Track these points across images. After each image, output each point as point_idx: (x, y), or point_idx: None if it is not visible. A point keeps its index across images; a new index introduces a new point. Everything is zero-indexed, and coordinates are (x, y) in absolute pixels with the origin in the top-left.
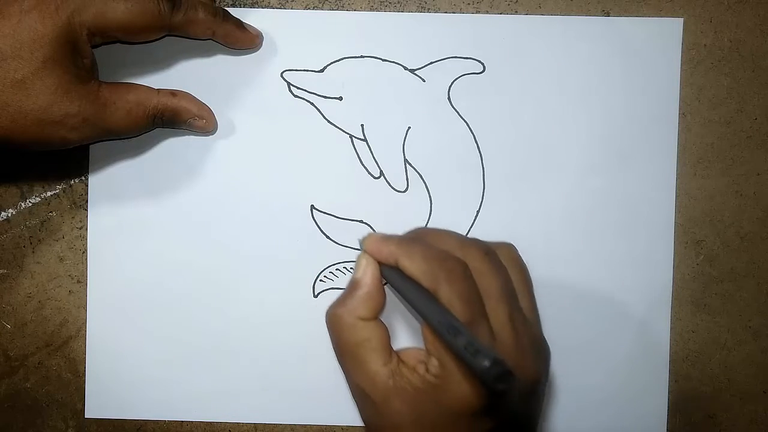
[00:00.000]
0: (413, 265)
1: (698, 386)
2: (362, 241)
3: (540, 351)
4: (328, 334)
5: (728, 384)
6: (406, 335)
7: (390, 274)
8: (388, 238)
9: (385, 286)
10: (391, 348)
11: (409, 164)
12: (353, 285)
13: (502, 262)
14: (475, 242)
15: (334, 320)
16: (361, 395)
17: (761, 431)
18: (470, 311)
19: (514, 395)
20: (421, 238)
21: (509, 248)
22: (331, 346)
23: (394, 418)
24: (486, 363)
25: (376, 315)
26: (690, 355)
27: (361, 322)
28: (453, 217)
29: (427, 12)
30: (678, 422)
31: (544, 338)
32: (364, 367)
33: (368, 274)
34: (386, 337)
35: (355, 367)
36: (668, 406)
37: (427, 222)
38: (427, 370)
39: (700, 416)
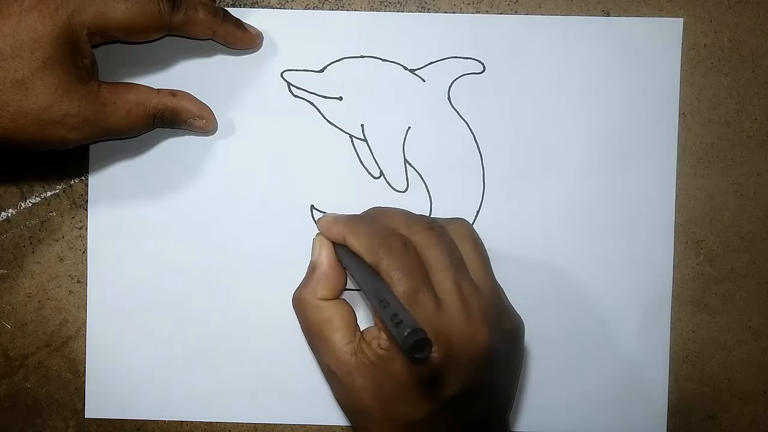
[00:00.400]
0: (357, 242)
1: (698, 386)
2: (317, 221)
3: (497, 320)
4: None
5: (728, 384)
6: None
7: (341, 252)
8: (337, 218)
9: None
10: (356, 326)
11: (409, 164)
12: (312, 267)
13: (450, 236)
14: (421, 218)
15: (298, 303)
16: (329, 374)
17: (761, 431)
18: (410, 282)
19: (463, 362)
20: (370, 217)
21: (460, 222)
22: (301, 329)
23: (359, 394)
24: (405, 332)
25: (336, 294)
26: (690, 355)
27: (323, 303)
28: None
29: (427, 12)
30: (678, 422)
31: (510, 309)
32: (329, 346)
33: (323, 254)
34: (350, 315)
35: (321, 347)
36: (668, 406)
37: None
38: (379, 344)
39: (700, 416)
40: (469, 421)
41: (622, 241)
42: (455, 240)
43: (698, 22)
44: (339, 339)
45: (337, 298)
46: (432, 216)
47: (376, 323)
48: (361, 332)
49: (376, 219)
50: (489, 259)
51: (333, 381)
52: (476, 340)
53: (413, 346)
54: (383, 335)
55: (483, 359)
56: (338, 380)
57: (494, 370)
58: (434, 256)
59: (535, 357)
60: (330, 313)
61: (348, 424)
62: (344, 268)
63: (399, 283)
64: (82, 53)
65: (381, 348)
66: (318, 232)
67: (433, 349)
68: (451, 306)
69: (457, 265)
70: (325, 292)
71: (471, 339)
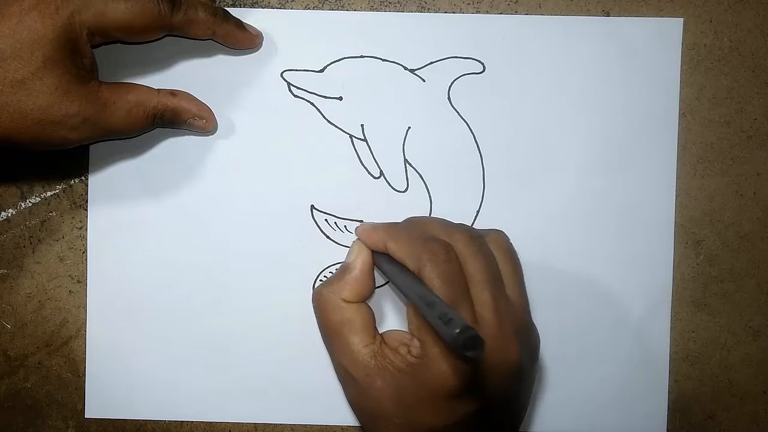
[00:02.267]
0: (398, 247)
1: (698, 386)
2: (356, 230)
3: (526, 337)
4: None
5: (728, 384)
6: (393, 322)
7: (380, 259)
8: (376, 226)
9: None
10: (375, 330)
11: (409, 164)
12: (344, 269)
13: (489, 248)
14: (462, 227)
15: (320, 300)
16: (343, 374)
17: (761, 431)
18: (452, 292)
19: (494, 377)
20: (408, 224)
21: (498, 234)
22: (318, 326)
23: (378, 397)
24: (456, 330)
25: (361, 299)
26: (690, 355)
27: (345, 304)
28: (453, 217)
29: (427, 12)
30: (678, 422)
31: (533, 325)
32: (347, 347)
33: (359, 259)
34: (370, 319)
35: (338, 347)
36: (668, 406)
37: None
38: (409, 351)
39: (700, 416)
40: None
41: (622, 241)
42: (492, 251)
43: (698, 22)
44: (358, 341)
45: (361, 302)
46: (432, 214)
47: (410, 330)
48: (382, 336)
49: (415, 226)
50: (522, 273)
51: (348, 382)
52: (508, 357)
53: (465, 343)
54: (415, 342)
55: (512, 375)
56: (354, 382)
57: (518, 386)
58: (474, 268)
59: None
60: (351, 314)
61: (348, 424)
62: (382, 277)
63: (440, 290)
64: (82, 53)
65: (412, 355)
66: (355, 239)
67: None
68: (488, 321)
69: (495, 280)
70: (350, 295)
71: (503, 355)
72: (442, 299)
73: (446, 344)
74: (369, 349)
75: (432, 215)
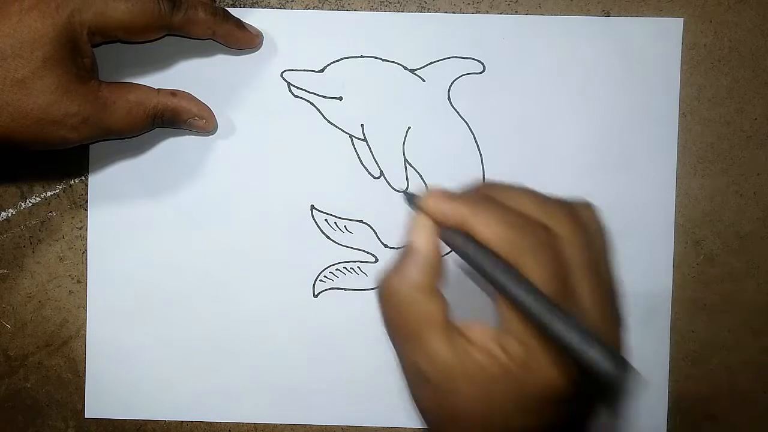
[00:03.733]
0: (489, 230)
1: (698, 386)
2: (418, 200)
3: (623, 324)
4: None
5: (728, 384)
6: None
7: (454, 238)
8: (452, 197)
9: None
10: (452, 323)
11: (409, 164)
12: (408, 251)
13: (587, 229)
14: (558, 203)
15: (388, 293)
16: (417, 377)
17: (761, 431)
18: (557, 286)
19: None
20: (491, 198)
21: (590, 209)
22: (383, 322)
23: (460, 402)
24: (600, 354)
25: (434, 284)
26: (690, 355)
27: (419, 295)
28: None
29: (427, 12)
30: (678, 422)
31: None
32: (424, 346)
33: (424, 238)
34: (447, 308)
35: (412, 346)
36: (668, 406)
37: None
38: (503, 350)
39: (700, 416)
40: None
41: (622, 241)
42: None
43: (698, 22)
44: (436, 338)
45: (435, 289)
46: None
47: (507, 329)
48: (462, 329)
49: (500, 195)
50: (611, 247)
51: (422, 384)
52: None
53: (616, 368)
54: (513, 342)
55: None
56: (430, 385)
57: None
58: (576, 254)
59: None
60: (427, 307)
61: (349, 424)
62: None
63: (544, 284)
64: (82, 53)
65: (509, 356)
66: (415, 210)
67: None
68: (593, 315)
69: (597, 266)
70: (424, 283)
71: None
72: (547, 293)
73: (584, 366)
74: (450, 348)
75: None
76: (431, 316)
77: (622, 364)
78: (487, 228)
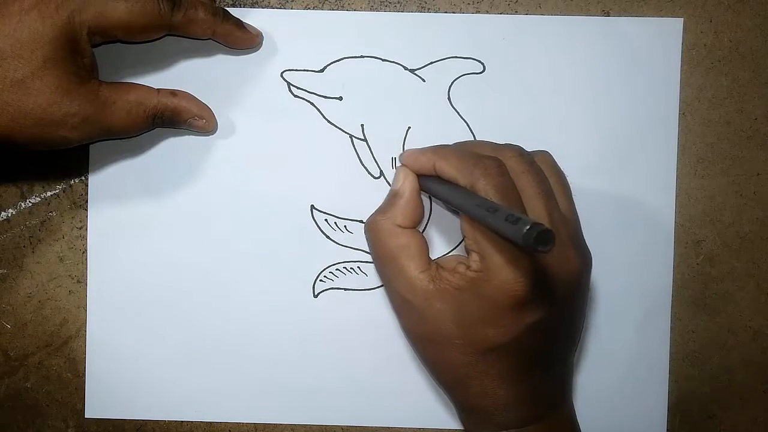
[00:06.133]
0: (449, 165)
1: (698, 386)
2: (400, 156)
3: (581, 249)
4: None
5: (728, 384)
6: (444, 250)
7: (428, 182)
8: (424, 149)
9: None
10: (428, 256)
11: None
12: (392, 195)
13: (539, 165)
14: (511, 145)
15: (373, 227)
16: (401, 302)
17: (761, 431)
18: (507, 202)
19: (556, 285)
20: (457, 145)
21: (545, 154)
22: (372, 258)
23: (437, 319)
24: (527, 227)
25: (414, 224)
26: (690, 355)
27: (399, 229)
28: (453, 216)
29: (427, 12)
30: (678, 422)
31: (585, 242)
32: (403, 273)
33: (407, 184)
34: (424, 245)
35: (394, 273)
36: (668, 406)
37: (427, 223)
38: (468, 267)
39: (700, 416)
40: (544, 351)
41: (622, 241)
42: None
43: (698, 22)
44: (415, 266)
45: (414, 227)
46: (432, 216)
47: (468, 246)
48: (436, 261)
49: (463, 146)
50: (571, 191)
51: (405, 308)
52: (568, 266)
53: (537, 238)
54: (474, 257)
55: (572, 285)
56: (412, 307)
57: (577, 300)
58: (527, 182)
59: None
60: (406, 240)
61: (349, 424)
62: (430, 200)
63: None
64: (82, 53)
65: (471, 270)
66: (400, 164)
67: (530, 265)
68: None
69: (548, 193)
70: (404, 220)
71: (563, 265)
72: None
73: (516, 244)
74: (426, 274)
75: (432, 215)
76: (410, 249)
77: (546, 234)
78: (448, 164)
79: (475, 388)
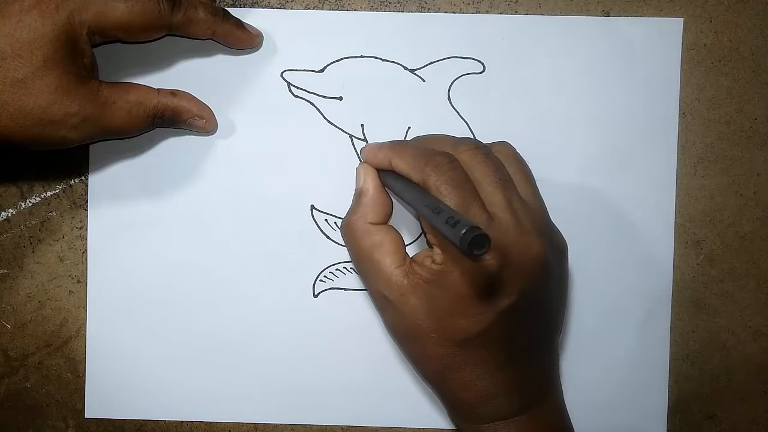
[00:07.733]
0: (403, 162)
1: (698, 386)
2: (361, 150)
3: (548, 233)
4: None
5: (728, 384)
6: (421, 244)
7: (386, 177)
8: (381, 144)
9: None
10: (404, 252)
11: None
12: (358, 195)
13: (497, 156)
14: (467, 139)
15: (347, 228)
16: (380, 299)
17: (761, 431)
18: (460, 195)
19: (520, 272)
20: (414, 140)
21: (504, 145)
22: (351, 258)
23: (413, 314)
24: (462, 231)
25: (384, 219)
26: (690, 355)
27: (372, 227)
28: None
29: (427, 12)
30: (678, 422)
31: (556, 228)
32: (380, 270)
33: (368, 180)
34: (399, 240)
35: (371, 271)
36: (668, 406)
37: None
38: (433, 260)
39: (700, 416)
40: (520, 340)
41: (622, 241)
42: (502, 160)
43: (698, 22)
44: (390, 262)
45: (386, 223)
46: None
47: (429, 240)
48: (411, 257)
49: (419, 141)
50: (534, 179)
51: (384, 306)
52: (531, 251)
53: (472, 242)
54: (437, 251)
55: (537, 270)
56: (390, 304)
57: (547, 285)
58: (482, 173)
59: None
60: (380, 237)
61: (349, 424)
62: (390, 195)
63: (449, 197)
64: (82, 53)
65: (435, 263)
66: (361, 161)
67: (489, 254)
68: (502, 219)
69: (506, 182)
70: (373, 217)
71: (526, 249)
72: (450, 205)
73: (456, 247)
74: (401, 270)
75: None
76: (385, 246)
77: (478, 238)
78: (402, 160)
79: (456, 381)
